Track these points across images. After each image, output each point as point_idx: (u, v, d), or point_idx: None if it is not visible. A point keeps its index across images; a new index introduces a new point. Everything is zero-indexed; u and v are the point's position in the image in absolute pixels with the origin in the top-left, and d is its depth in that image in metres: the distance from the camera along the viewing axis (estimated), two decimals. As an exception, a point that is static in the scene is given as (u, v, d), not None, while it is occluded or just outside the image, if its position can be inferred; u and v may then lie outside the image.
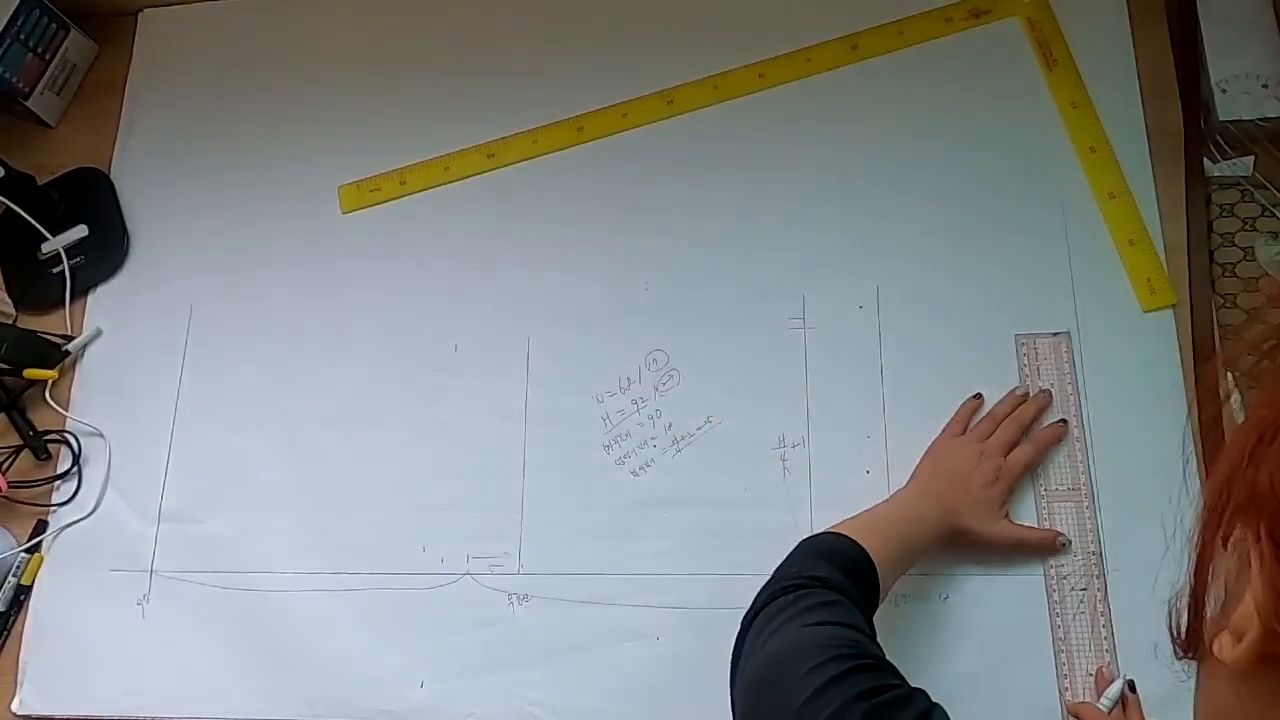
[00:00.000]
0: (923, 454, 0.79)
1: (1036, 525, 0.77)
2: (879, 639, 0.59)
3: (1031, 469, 0.78)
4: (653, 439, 0.84)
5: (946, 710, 0.50)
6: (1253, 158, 0.81)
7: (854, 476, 0.80)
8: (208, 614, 0.86)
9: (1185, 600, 0.33)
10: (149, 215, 1.00)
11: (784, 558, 0.65)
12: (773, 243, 0.87)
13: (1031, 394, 0.80)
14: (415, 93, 0.98)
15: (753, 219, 0.88)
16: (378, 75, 1.00)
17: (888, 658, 0.55)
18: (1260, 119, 0.80)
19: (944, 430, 0.79)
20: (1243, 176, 0.81)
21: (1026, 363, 0.81)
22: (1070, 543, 0.76)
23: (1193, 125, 0.83)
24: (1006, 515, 0.76)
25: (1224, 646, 0.29)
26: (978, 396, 0.80)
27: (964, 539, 0.74)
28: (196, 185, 1.00)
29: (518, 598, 0.83)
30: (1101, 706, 0.70)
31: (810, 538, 0.67)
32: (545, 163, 0.94)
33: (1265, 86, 0.80)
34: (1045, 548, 0.76)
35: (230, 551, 0.88)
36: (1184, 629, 0.33)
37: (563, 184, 0.93)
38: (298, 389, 0.91)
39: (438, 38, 1.00)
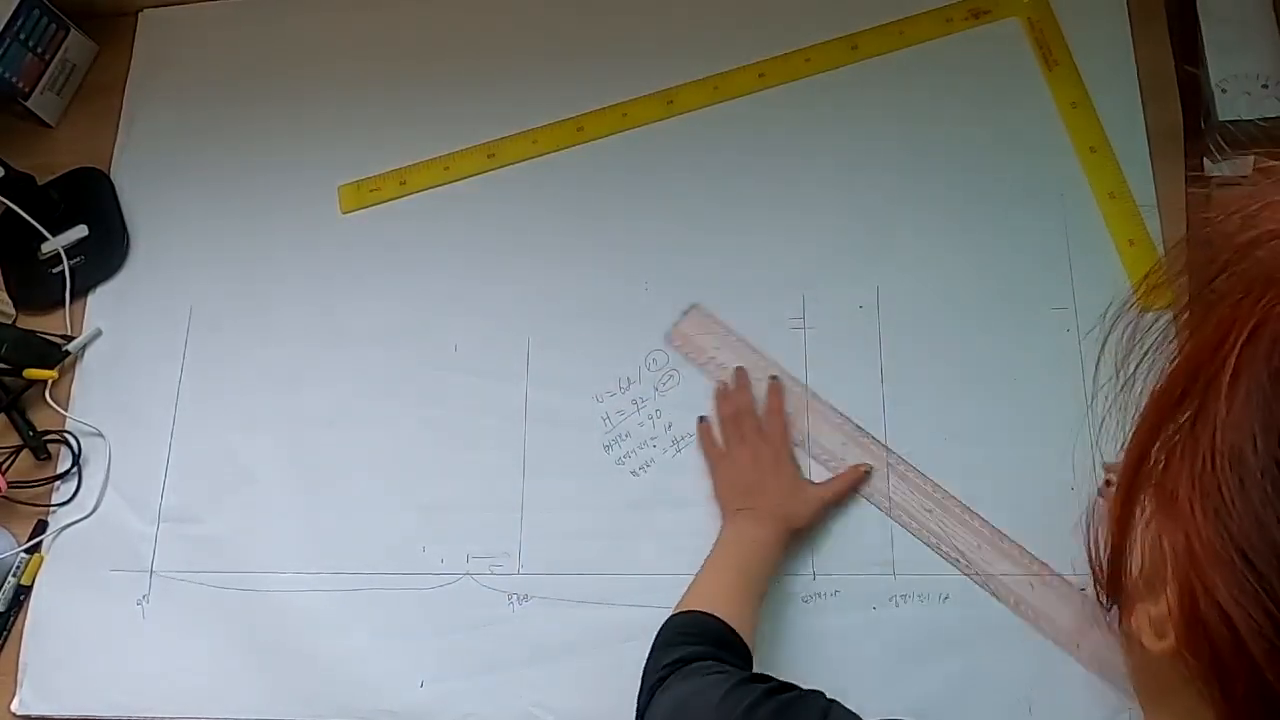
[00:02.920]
0: (712, 490, 0.81)
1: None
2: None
3: (787, 420, 0.81)
4: (653, 439, 0.84)
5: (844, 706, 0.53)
6: (1253, 158, 0.81)
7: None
8: (208, 614, 0.86)
9: (1104, 544, 0.32)
10: (149, 215, 1.00)
11: (644, 664, 0.66)
12: (773, 243, 0.87)
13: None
14: (415, 93, 0.98)
15: (753, 219, 0.88)
16: (378, 75, 1.00)
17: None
18: (1260, 119, 0.80)
19: (709, 457, 0.82)
20: (1243, 177, 0.81)
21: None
22: (873, 469, 0.79)
23: (1193, 125, 0.83)
24: (809, 481, 0.79)
25: (1144, 632, 0.29)
26: (703, 419, 0.83)
27: (799, 526, 0.77)
28: (196, 185, 1.00)
29: (518, 598, 0.83)
30: None
31: (658, 632, 0.68)
32: (545, 163, 0.94)
33: (1265, 86, 0.80)
34: (859, 484, 0.79)
35: (230, 551, 0.88)
36: (1105, 580, 0.32)
37: (563, 184, 0.93)
38: (298, 389, 0.91)
39: (438, 38, 1.00)
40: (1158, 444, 0.28)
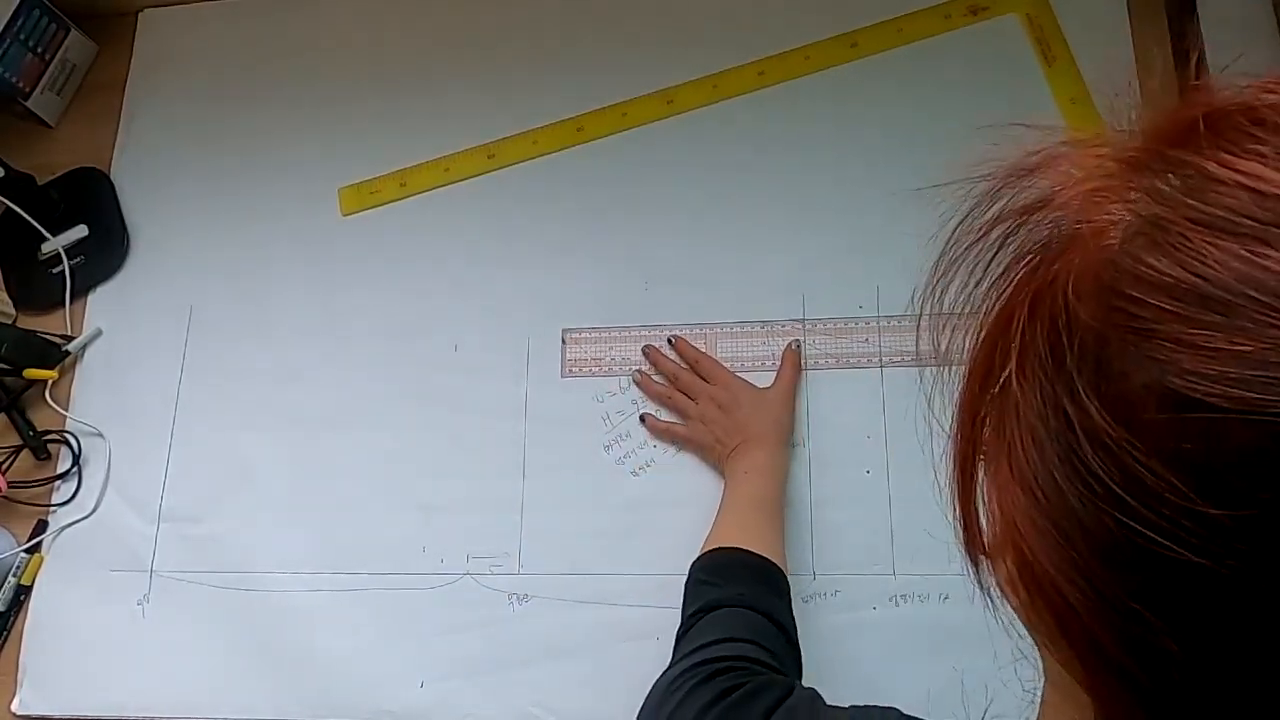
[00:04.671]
0: (703, 459, 0.83)
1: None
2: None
3: (712, 357, 0.84)
4: (652, 439, 0.84)
5: (817, 692, 0.53)
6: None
7: (854, 476, 0.80)
8: (208, 614, 0.86)
9: (954, 506, 0.32)
10: (149, 215, 1.00)
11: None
12: (772, 242, 0.87)
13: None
14: (415, 93, 0.98)
15: (752, 218, 0.88)
16: (378, 76, 1.00)
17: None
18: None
19: (680, 438, 0.83)
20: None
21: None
22: (799, 343, 0.82)
23: (1193, 124, 0.83)
24: (766, 388, 0.81)
25: (1004, 588, 0.29)
26: (644, 417, 0.84)
27: (788, 429, 0.80)
28: (196, 185, 1.00)
29: (518, 598, 0.83)
30: None
31: (690, 569, 0.71)
32: (545, 163, 0.94)
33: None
34: (798, 359, 0.83)
35: (230, 551, 0.88)
36: (963, 540, 0.32)
37: (563, 184, 0.93)
38: (298, 389, 0.91)
39: (438, 39, 1.00)
40: (981, 411, 0.28)
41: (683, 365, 0.85)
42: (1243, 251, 0.22)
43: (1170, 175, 0.24)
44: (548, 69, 0.97)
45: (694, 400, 0.82)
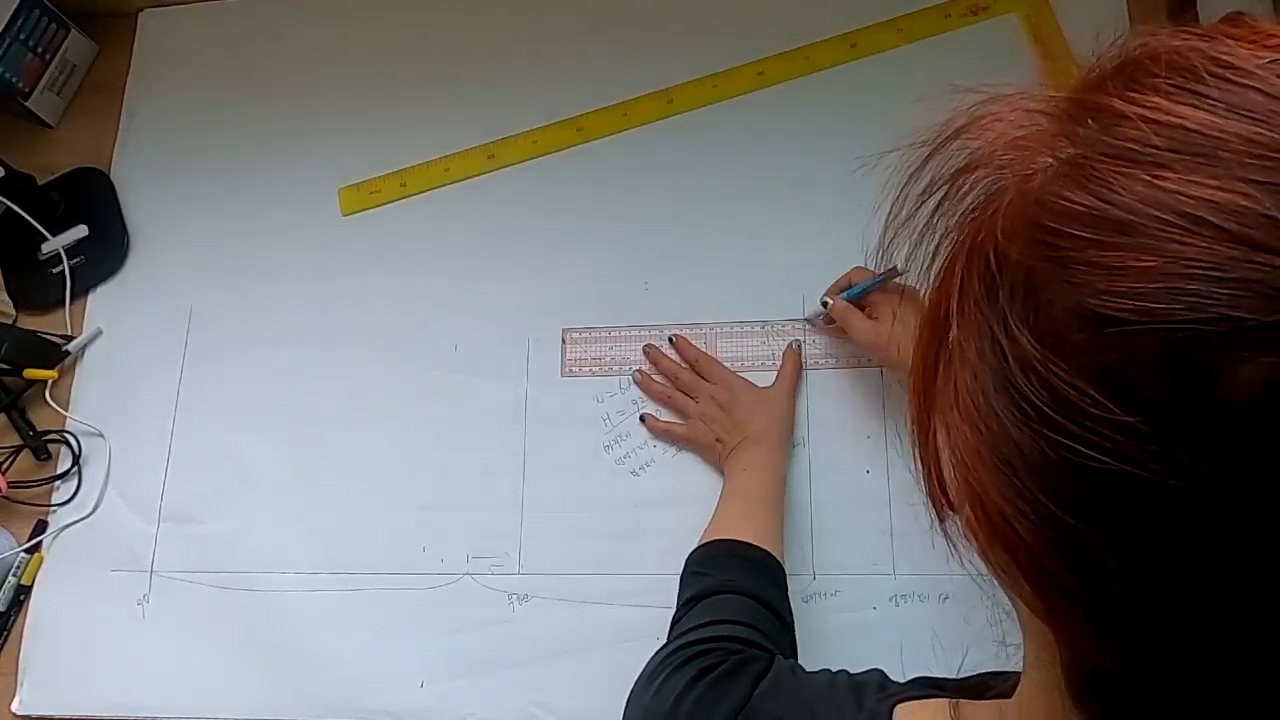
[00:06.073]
0: (703, 458, 0.83)
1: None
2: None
3: (712, 356, 0.84)
4: (652, 439, 0.84)
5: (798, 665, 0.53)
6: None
7: (854, 476, 0.80)
8: (208, 614, 0.86)
9: (916, 463, 0.33)
10: (149, 215, 1.00)
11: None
12: (772, 242, 0.87)
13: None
14: (415, 93, 0.98)
15: (752, 218, 0.88)
16: (378, 76, 1.00)
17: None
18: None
19: (680, 438, 0.83)
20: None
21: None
22: (800, 343, 0.83)
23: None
24: (766, 387, 0.81)
25: (968, 539, 0.30)
26: (644, 417, 0.84)
27: (788, 426, 0.80)
28: (196, 185, 1.00)
29: (518, 598, 0.82)
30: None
31: (685, 563, 0.71)
32: (545, 163, 0.94)
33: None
34: (799, 360, 0.83)
35: (230, 551, 0.88)
36: (927, 496, 0.33)
37: (563, 184, 0.93)
38: (298, 389, 0.91)
39: (438, 38, 1.00)
40: (935, 365, 0.30)
41: (683, 365, 0.85)
42: (1145, 176, 0.24)
43: (1089, 119, 0.26)
44: (548, 69, 0.97)
45: (694, 399, 0.82)
